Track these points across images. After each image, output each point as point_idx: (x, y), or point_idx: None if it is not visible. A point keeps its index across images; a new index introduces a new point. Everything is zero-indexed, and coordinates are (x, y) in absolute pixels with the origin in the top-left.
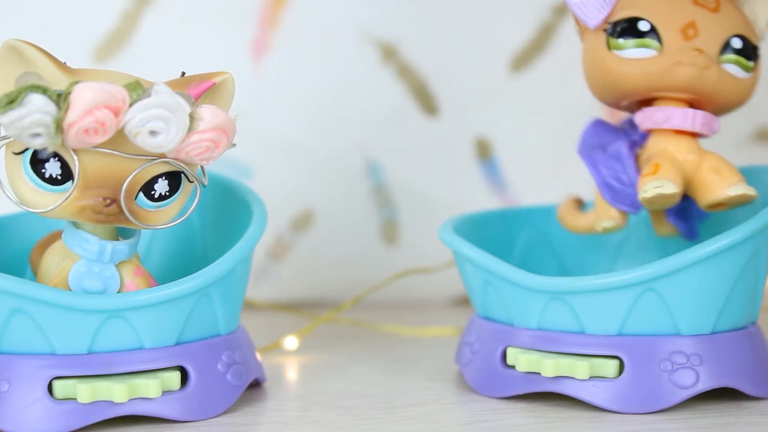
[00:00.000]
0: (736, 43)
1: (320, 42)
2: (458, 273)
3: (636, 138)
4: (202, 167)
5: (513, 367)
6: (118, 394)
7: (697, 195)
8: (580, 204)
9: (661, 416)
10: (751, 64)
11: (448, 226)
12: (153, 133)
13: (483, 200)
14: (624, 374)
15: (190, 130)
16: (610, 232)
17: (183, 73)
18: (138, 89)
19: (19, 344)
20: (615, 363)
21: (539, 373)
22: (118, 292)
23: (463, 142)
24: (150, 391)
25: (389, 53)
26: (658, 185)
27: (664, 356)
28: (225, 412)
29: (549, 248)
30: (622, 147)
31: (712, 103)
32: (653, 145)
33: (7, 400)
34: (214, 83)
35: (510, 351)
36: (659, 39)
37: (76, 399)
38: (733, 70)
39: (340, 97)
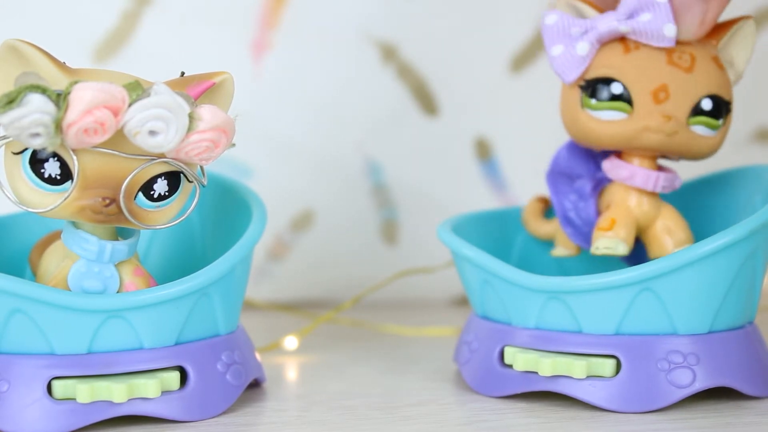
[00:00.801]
0: (706, 105)
1: (320, 42)
2: (457, 273)
3: (601, 177)
4: (201, 167)
5: (511, 366)
6: (117, 394)
7: (648, 247)
8: (545, 205)
9: (661, 416)
10: (719, 122)
11: (447, 226)
12: (152, 133)
13: (483, 200)
14: (621, 373)
15: (190, 130)
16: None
17: (182, 73)
18: (137, 89)
19: (19, 344)
20: (612, 362)
21: (537, 373)
22: (118, 292)
23: (463, 142)
24: (149, 391)
25: (389, 53)
26: (609, 246)
27: (661, 356)
28: (224, 412)
29: (548, 248)
30: (585, 186)
31: (679, 158)
32: (615, 191)
33: (7, 400)
34: (214, 83)
35: (508, 350)
36: (630, 102)
37: (75, 399)
38: (701, 131)
39: (340, 97)
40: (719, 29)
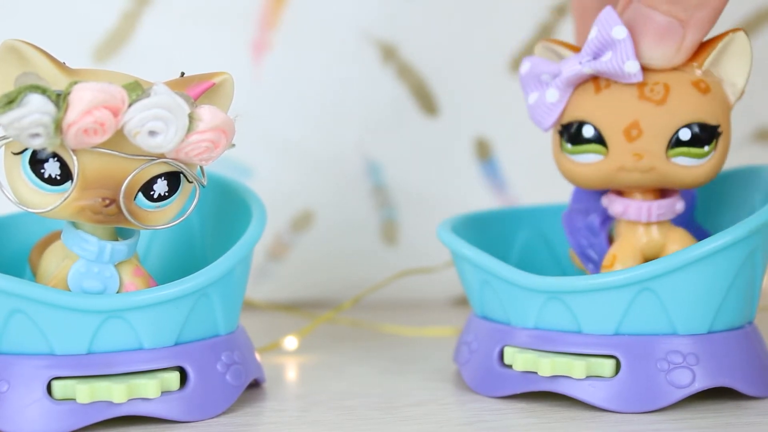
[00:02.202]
0: (684, 135)
1: (320, 42)
2: (457, 273)
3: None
4: (201, 167)
5: (510, 366)
6: (117, 394)
7: None
8: None
9: (661, 416)
10: (705, 149)
11: (447, 226)
12: (152, 133)
13: (483, 200)
14: (620, 374)
15: (190, 130)
16: None
17: (182, 74)
18: (137, 89)
19: (18, 344)
20: (611, 362)
21: (536, 373)
22: (118, 292)
23: (463, 142)
24: (149, 391)
25: (389, 53)
26: None
27: (660, 356)
28: (224, 413)
29: (548, 248)
30: (595, 221)
31: (670, 187)
32: (619, 225)
33: (6, 401)
34: (214, 83)
35: (507, 350)
36: (604, 143)
37: (75, 399)
38: (684, 161)
39: (340, 97)
40: (703, 48)
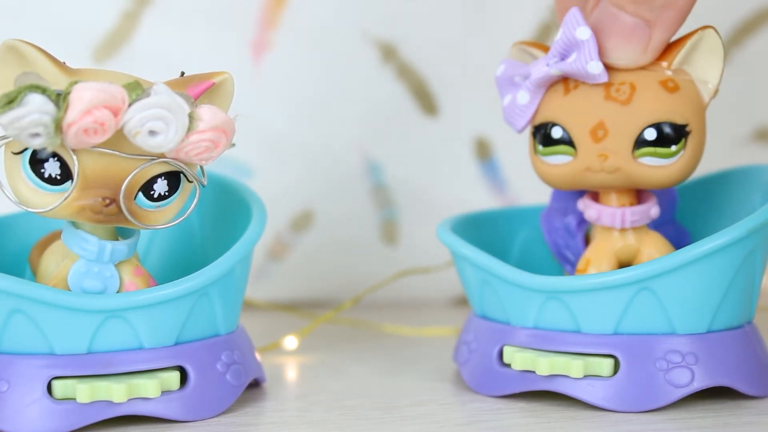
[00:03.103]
0: (650, 135)
1: (320, 42)
2: (457, 272)
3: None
4: (201, 167)
5: (509, 365)
6: (117, 394)
7: None
8: None
9: (660, 415)
10: (673, 149)
11: (446, 226)
12: (152, 133)
13: (483, 200)
14: (619, 373)
15: (190, 130)
16: None
17: (182, 73)
18: (137, 89)
19: (19, 344)
20: (610, 362)
21: (534, 372)
22: (118, 292)
23: (463, 142)
24: (149, 391)
25: (389, 53)
26: None
27: (659, 355)
28: (224, 412)
29: (547, 248)
30: (572, 222)
31: (639, 188)
32: (595, 228)
33: (6, 400)
34: (214, 83)
35: (506, 350)
36: (573, 144)
37: (75, 399)
38: (651, 161)
39: (340, 97)
40: (671, 47)
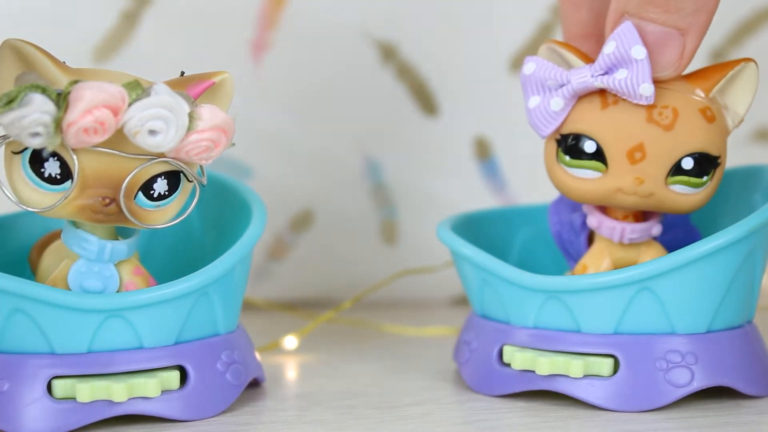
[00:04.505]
0: (687, 164)
1: (320, 42)
2: (457, 272)
3: None
4: (201, 166)
5: (509, 365)
6: (117, 393)
7: None
8: None
9: (660, 415)
10: (703, 179)
11: (446, 226)
12: (152, 132)
13: (483, 200)
14: (619, 373)
15: (189, 129)
16: None
17: (182, 73)
18: (137, 89)
19: (19, 344)
20: (610, 361)
21: (534, 372)
22: (118, 291)
23: (463, 142)
24: (149, 390)
25: (389, 53)
26: None
27: (659, 355)
28: (224, 412)
29: (547, 247)
30: (577, 219)
31: (662, 212)
32: (595, 235)
33: (7, 400)
34: (214, 83)
35: (506, 349)
36: (605, 161)
37: (75, 398)
38: (681, 189)
39: (340, 97)
40: (714, 73)
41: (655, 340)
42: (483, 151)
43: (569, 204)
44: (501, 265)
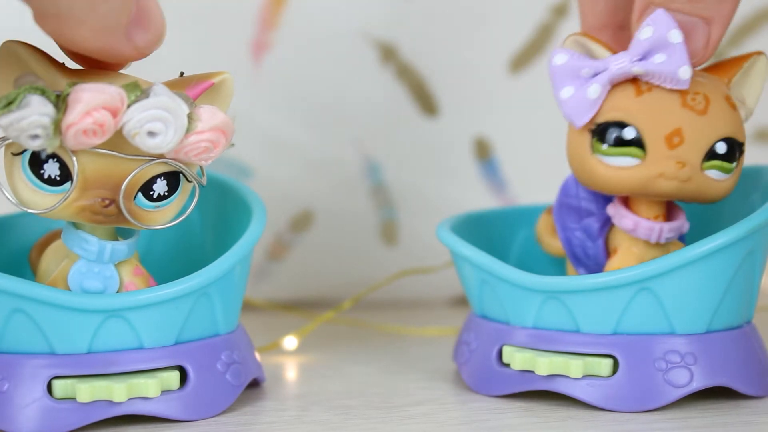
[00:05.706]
0: (721, 148)
1: (320, 42)
2: (456, 272)
3: (609, 217)
4: (201, 167)
5: (508, 365)
6: (117, 393)
7: None
8: None
9: (659, 415)
10: (733, 165)
11: (446, 226)
12: (151, 133)
13: (482, 200)
14: (618, 373)
15: (189, 130)
16: None
17: (182, 73)
18: (136, 90)
19: (19, 344)
20: (609, 362)
21: (534, 372)
22: (118, 291)
23: (463, 142)
24: (149, 390)
25: (389, 53)
26: None
27: (658, 355)
28: (224, 412)
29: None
30: (593, 224)
31: (696, 201)
32: (621, 236)
33: (7, 400)
34: (213, 83)
35: (506, 349)
36: (644, 147)
37: (75, 398)
38: (714, 174)
39: (340, 97)
40: (731, 66)
41: (654, 340)
42: (483, 152)
43: (572, 206)
44: (500, 265)
